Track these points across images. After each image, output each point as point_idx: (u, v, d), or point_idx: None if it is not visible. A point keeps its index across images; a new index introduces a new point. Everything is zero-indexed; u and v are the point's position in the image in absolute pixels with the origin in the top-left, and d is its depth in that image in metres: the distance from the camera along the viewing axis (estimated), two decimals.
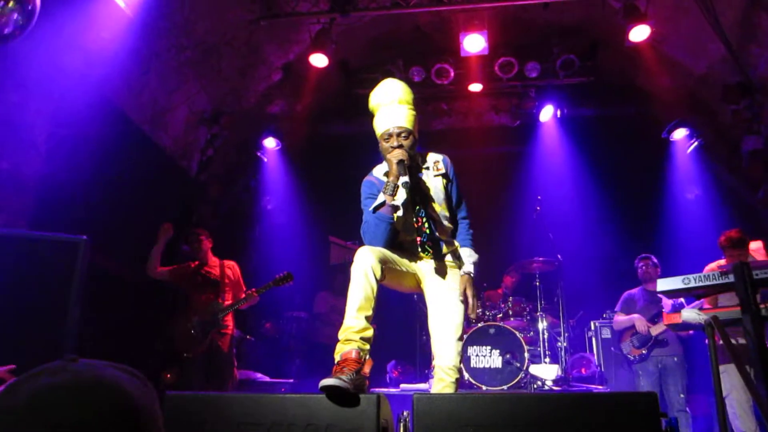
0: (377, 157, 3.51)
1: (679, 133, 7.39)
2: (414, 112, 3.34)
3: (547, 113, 7.96)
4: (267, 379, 6.39)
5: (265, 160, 7.95)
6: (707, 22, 5.98)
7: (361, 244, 3.18)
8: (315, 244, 7.83)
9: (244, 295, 5.62)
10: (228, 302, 5.66)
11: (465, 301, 3.20)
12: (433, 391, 3.13)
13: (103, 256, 5.22)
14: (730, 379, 4.38)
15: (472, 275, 3.27)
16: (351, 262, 2.99)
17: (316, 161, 8.23)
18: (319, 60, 6.54)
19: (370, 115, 3.48)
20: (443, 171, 3.41)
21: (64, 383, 0.91)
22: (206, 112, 7.17)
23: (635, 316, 5.83)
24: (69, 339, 3.15)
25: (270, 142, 7.83)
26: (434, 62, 7.55)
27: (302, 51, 7.20)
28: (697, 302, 4.53)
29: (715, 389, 3.26)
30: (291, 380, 6.40)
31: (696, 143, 7.27)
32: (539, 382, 5.86)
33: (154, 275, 5.76)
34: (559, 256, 6.56)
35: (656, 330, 5.70)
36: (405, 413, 2.51)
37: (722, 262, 4.91)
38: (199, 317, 5.51)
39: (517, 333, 5.91)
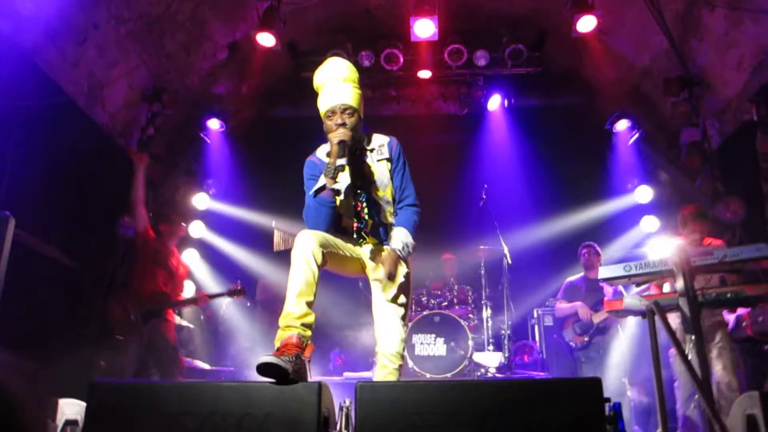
0: (322, 142, 3.42)
1: (622, 125, 7.52)
2: (359, 91, 3.25)
3: (495, 102, 7.97)
4: (206, 367, 6.22)
5: (209, 141, 7.69)
6: (651, 15, 6.09)
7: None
8: (258, 231, 7.64)
9: (190, 295, 5.58)
10: (175, 297, 5.51)
11: (384, 270, 3.03)
12: (376, 378, 3.06)
13: (32, 235, 4.96)
14: (678, 365, 4.49)
15: (399, 253, 3.11)
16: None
17: (261, 145, 8.03)
18: (266, 39, 6.35)
19: (316, 96, 3.38)
20: (387, 155, 3.30)
21: None
22: (147, 89, 6.86)
23: (578, 303, 5.91)
24: None
25: (214, 123, 7.57)
26: (384, 47, 7.45)
27: (249, 29, 6.97)
28: (641, 288, 4.62)
29: (654, 373, 3.32)
30: (231, 368, 6.25)
31: (637, 134, 7.42)
32: (483, 370, 5.89)
33: (136, 209, 5.64)
34: (504, 245, 6.59)
35: (598, 317, 5.79)
36: (347, 401, 2.44)
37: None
38: (141, 303, 5.29)
39: (461, 321, 5.92)
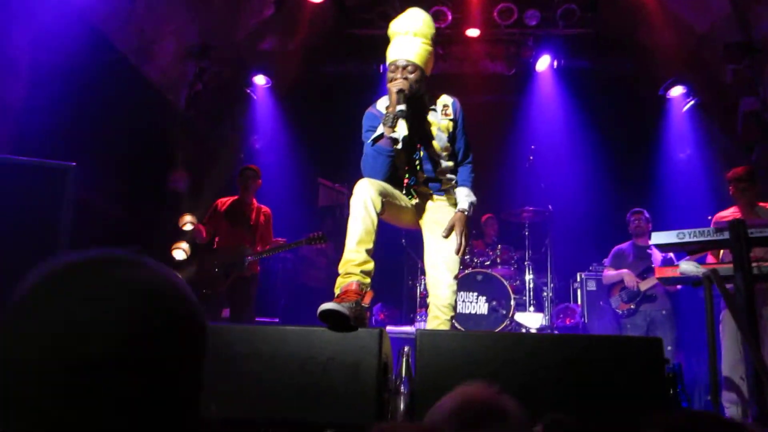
0: (368, 100, 3.42)
1: (676, 91, 7.30)
2: (429, 48, 3.21)
3: (544, 63, 7.81)
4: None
5: (255, 97, 7.72)
6: None
7: (351, 185, 3.10)
8: (303, 186, 7.69)
9: (270, 246, 5.61)
10: (258, 248, 5.62)
11: (456, 240, 3.14)
12: (428, 328, 3.10)
13: (87, 189, 5.08)
14: (726, 331, 4.45)
15: (466, 213, 3.21)
16: (339, 205, 2.93)
17: (307, 101, 8.03)
18: None
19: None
20: (451, 115, 3.30)
21: (145, 279, 0.82)
22: (195, 46, 6.90)
23: (624, 270, 5.86)
24: None
25: (260, 80, 7.59)
26: (432, 4, 7.32)
27: None
28: (695, 257, 4.55)
29: (708, 340, 3.30)
30: (276, 320, 6.38)
31: (692, 102, 7.21)
32: (524, 330, 5.91)
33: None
34: (549, 207, 6.54)
35: (645, 285, 5.73)
36: (406, 348, 2.48)
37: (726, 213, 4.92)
38: (224, 258, 5.46)
39: (504, 281, 5.93)
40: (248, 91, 7.72)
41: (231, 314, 5.49)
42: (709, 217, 5.03)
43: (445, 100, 3.36)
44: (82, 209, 4.94)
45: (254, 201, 5.89)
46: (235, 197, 5.89)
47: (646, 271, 5.74)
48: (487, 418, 1.35)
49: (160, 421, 0.78)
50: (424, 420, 1.46)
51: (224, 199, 5.91)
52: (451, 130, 3.29)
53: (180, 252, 5.85)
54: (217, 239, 5.74)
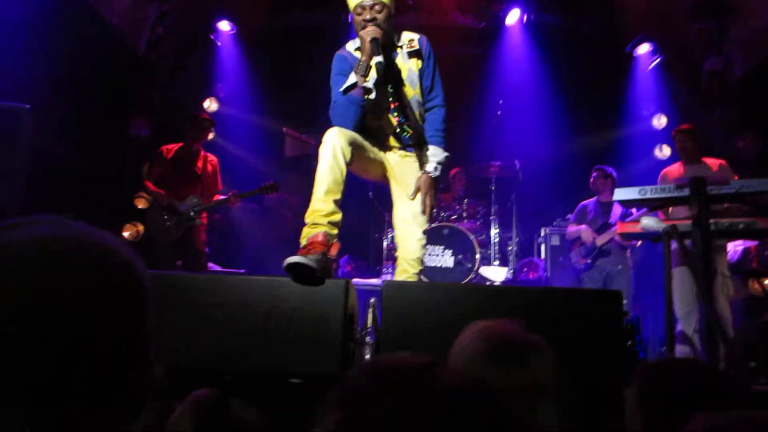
0: (335, 50, 3.33)
1: (643, 49, 7.34)
2: None
3: (514, 17, 7.73)
4: (218, 268, 6.33)
5: (219, 44, 7.50)
6: None
7: (318, 136, 3.04)
8: (269, 136, 7.56)
9: (222, 196, 5.48)
10: (205, 198, 5.50)
11: (421, 202, 3.11)
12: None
13: (43, 134, 4.91)
14: (678, 282, 4.58)
15: (431, 176, 3.15)
16: (305, 156, 2.89)
17: (273, 50, 7.81)
18: None
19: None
20: (418, 49, 3.21)
21: (68, 239, 0.75)
22: None
23: (583, 226, 5.96)
24: (14, 208, 2.97)
25: (224, 26, 7.36)
26: None
27: None
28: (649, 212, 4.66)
29: (666, 292, 3.40)
30: (242, 270, 6.35)
31: (658, 60, 7.25)
32: (488, 283, 5.99)
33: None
34: (516, 162, 6.56)
35: (601, 240, 5.84)
36: (372, 300, 2.49)
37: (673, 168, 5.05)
38: (175, 209, 5.35)
39: (470, 235, 5.98)
40: (212, 36, 7.49)
41: (182, 264, 5.42)
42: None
43: (409, 35, 3.27)
44: (39, 155, 4.81)
45: (201, 150, 5.72)
46: (180, 144, 5.66)
47: (603, 227, 5.85)
48: (521, 354, 1.30)
49: (93, 382, 0.72)
50: (448, 360, 1.37)
51: (169, 146, 5.66)
52: (420, 67, 3.22)
53: (142, 201, 5.75)
54: (164, 186, 5.55)
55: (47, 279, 0.71)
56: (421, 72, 3.22)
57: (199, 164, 5.61)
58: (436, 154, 3.21)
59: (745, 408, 1.19)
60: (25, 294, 0.69)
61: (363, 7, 3.04)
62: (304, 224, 2.77)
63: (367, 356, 2.34)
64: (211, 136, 5.78)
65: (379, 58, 2.90)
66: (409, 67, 3.20)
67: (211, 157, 5.75)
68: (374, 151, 3.17)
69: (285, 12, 8.00)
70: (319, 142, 2.90)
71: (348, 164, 2.81)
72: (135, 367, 0.78)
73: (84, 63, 5.64)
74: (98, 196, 5.94)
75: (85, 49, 5.67)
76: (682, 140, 5.13)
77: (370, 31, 2.96)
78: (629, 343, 2.66)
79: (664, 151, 7.08)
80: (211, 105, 7.40)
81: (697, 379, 1.38)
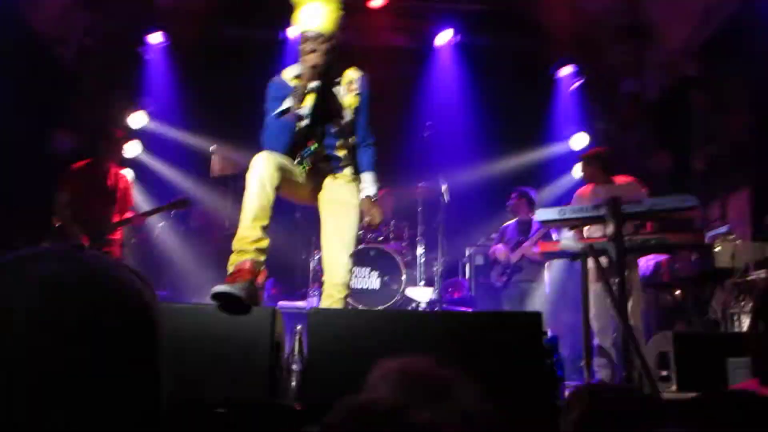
0: (271, 66, 3.37)
1: (566, 71, 7.65)
2: (338, 14, 3.15)
3: (444, 38, 7.91)
4: None
5: (149, 57, 7.32)
6: None
7: (248, 154, 3.05)
8: (198, 154, 7.39)
9: (130, 214, 5.30)
10: (116, 216, 5.27)
11: (369, 222, 3.29)
12: (322, 307, 3.13)
13: None
14: (594, 298, 4.80)
15: (373, 199, 3.32)
16: (233, 176, 2.90)
17: (205, 65, 7.66)
18: None
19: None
20: (356, 90, 3.30)
21: (75, 271, 0.74)
22: None
23: (499, 245, 6.21)
24: None
25: (155, 38, 7.20)
26: None
27: None
28: (563, 232, 4.91)
29: (582, 308, 3.61)
30: (165, 293, 6.19)
31: (579, 82, 7.57)
32: (414, 304, 6.06)
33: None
34: (443, 184, 6.66)
35: (515, 257, 6.10)
36: (299, 327, 2.50)
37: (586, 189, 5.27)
38: (86, 228, 5.11)
39: (396, 256, 6.04)
40: (142, 49, 7.31)
41: None
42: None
43: (351, 74, 3.35)
44: None
45: (112, 166, 5.49)
46: (89, 160, 5.40)
47: (516, 245, 6.09)
48: (435, 394, 1.30)
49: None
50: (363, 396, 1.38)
51: (78, 163, 5.40)
52: (355, 105, 3.31)
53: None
54: (75, 207, 5.25)
55: (54, 315, 0.71)
56: (357, 110, 3.32)
57: (110, 181, 5.42)
58: (372, 180, 3.38)
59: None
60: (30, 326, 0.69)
61: (306, 38, 3.08)
62: (230, 247, 2.76)
63: (294, 384, 2.34)
64: (137, 152, 5.57)
65: (315, 84, 2.96)
66: (344, 100, 3.28)
67: (122, 174, 5.55)
68: (303, 175, 3.19)
69: (219, 25, 7.90)
70: (248, 164, 2.90)
71: (276, 189, 2.82)
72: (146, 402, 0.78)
73: (7, 70, 5.40)
74: (15, 213, 5.68)
75: (9, 56, 5.44)
76: (581, 167, 5.52)
77: (310, 58, 3.03)
78: (549, 362, 2.76)
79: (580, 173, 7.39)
80: (137, 120, 7.19)
81: (629, 403, 1.46)
